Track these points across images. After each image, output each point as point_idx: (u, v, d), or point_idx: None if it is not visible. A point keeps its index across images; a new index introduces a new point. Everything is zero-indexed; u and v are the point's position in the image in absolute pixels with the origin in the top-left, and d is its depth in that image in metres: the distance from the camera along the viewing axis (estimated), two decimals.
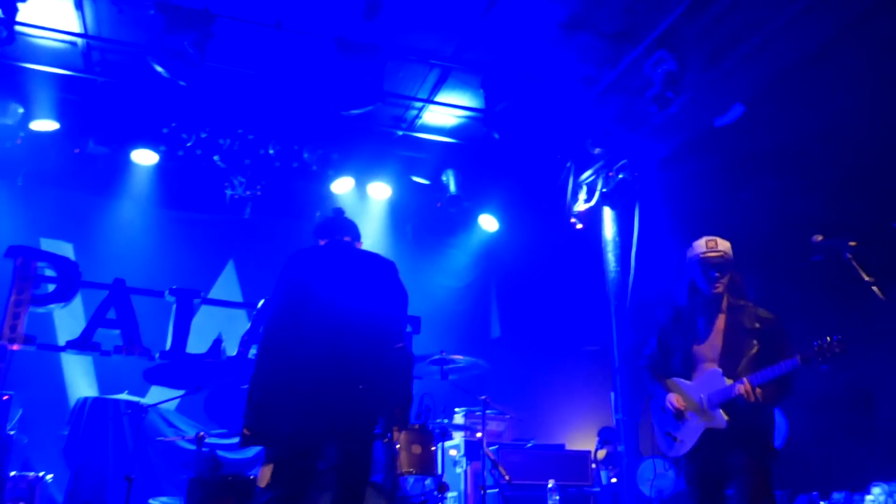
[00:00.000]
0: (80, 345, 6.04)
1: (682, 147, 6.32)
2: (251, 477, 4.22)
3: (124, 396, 6.01)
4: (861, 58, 5.32)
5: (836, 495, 7.51)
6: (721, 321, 3.59)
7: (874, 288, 3.11)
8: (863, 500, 7.59)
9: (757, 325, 3.50)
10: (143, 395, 6.38)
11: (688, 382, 3.59)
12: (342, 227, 3.46)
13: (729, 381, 3.38)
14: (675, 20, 5.35)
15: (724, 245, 3.66)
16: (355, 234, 3.50)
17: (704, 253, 3.62)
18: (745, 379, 3.33)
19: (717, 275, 3.57)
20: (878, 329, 7.93)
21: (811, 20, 4.94)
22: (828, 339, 3.19)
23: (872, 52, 5.24)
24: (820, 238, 3.29)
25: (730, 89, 5.63)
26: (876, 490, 7.51)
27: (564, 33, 5.76)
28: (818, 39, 5.04)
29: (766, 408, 3.44)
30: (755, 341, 3.45)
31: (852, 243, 3.20)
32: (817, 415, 9.03)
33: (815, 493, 7.46)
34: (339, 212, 3.59)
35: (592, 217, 7.14)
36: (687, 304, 3.71)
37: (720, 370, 3.46)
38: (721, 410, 3.41)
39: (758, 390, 3.28)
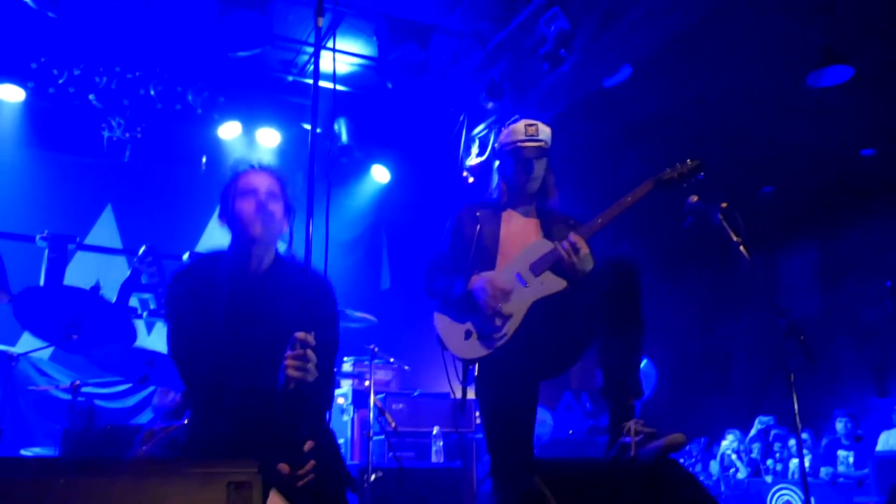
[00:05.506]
0: None
1: (571, 108, 6.47)
2: (131, 426, 4.12)
3: None
4: (741, 30, 5.61)
5: (694, 446, 8.15)
6: (533, 215, 3.17)
7: (741, 248, 3.23)
8: (719, 445, 8.26)
9: (571, 221, 3.12)
10: (13, 343, 6.05)
11: (495, 271, 3.01)
12: None
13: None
14: None
15: (545, 132, 3.14)
16: None
17: (523, 141, 3.10)
18: (573, 233, 2.87)
19: (533, 168, 3.10)
20: (737, 295, 8.56)
21: None
22: (680, 163, 2.99)
23: (752, 24, 5.53)
24: (695, 199, 3.35)
25: (619, 52, 5.80)
26: (730, 436, 8.20)
27: None
28: (702, 10, 5.24)
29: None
30: (572, 233, 2.96)
31: (724, 205, 3.31)
32: (681, 370, 9.68)
33: None
34: None
35: (484, 171, 7.24)
36: (497, 200, 3.20)
37: (546, 240, 2.98)
38: (551, 273, 2.91)
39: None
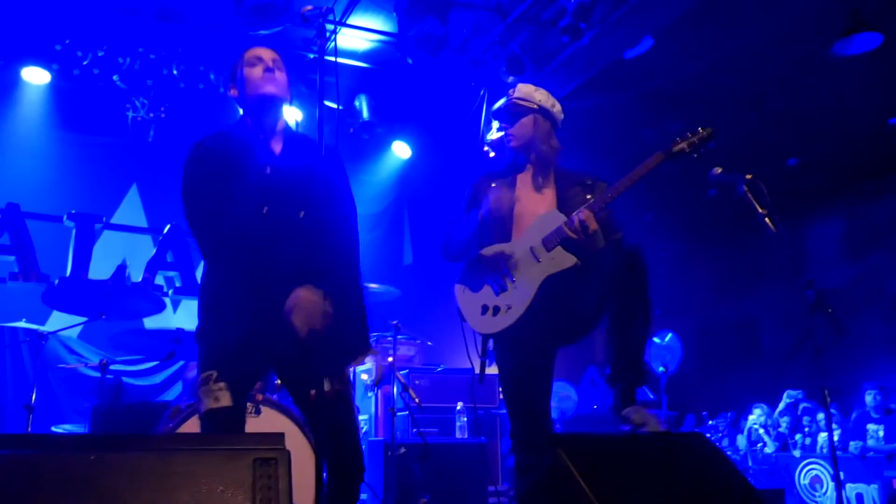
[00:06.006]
0: None
1: (590, 80, 6.40)
2: (158, 402, 4.19)
3: (22, 324, 5.81)
4: None
5: (721, 420, 8.11)
6: (551, 178, 3.17)
7: (767, 220, 3.19)
8: (746, 419, 8.20)
9: (588, 181, 3.12)
10: (42, 322, 6.17)
11: (510, 242, 3.07)
12: None
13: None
14: None
15: (522, 91, 3.19)
16: None
17: (504, 101, 3.19)
18: (583, 208, 2.88)
19: (507, 125, 3.18)
20: (763, 263, 8.45)
21: None
22: (691, 132, 2.93)
23: None
24: (719, 170, 3.32)
25: (640, 23, 5.71)
26: (757, 411, 8.13)
27: None
28: None
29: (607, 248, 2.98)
30: (589, 196, 3.00)
31: (748, 176, 3.27)
32: (707, 344, 9.61)
33: (704, 412, 8.00)
34: None
35: (505, 146, 7.17)
36: (509, 164, 3.27)
37: (558, 211, 3.01)
38: (563, 249, 2.93)
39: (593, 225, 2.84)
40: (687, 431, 7.02)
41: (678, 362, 7.68)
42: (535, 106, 3.17)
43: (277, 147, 2.62)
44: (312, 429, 2.54)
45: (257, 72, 2.62)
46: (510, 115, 3.19)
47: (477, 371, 3.13)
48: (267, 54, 2.67)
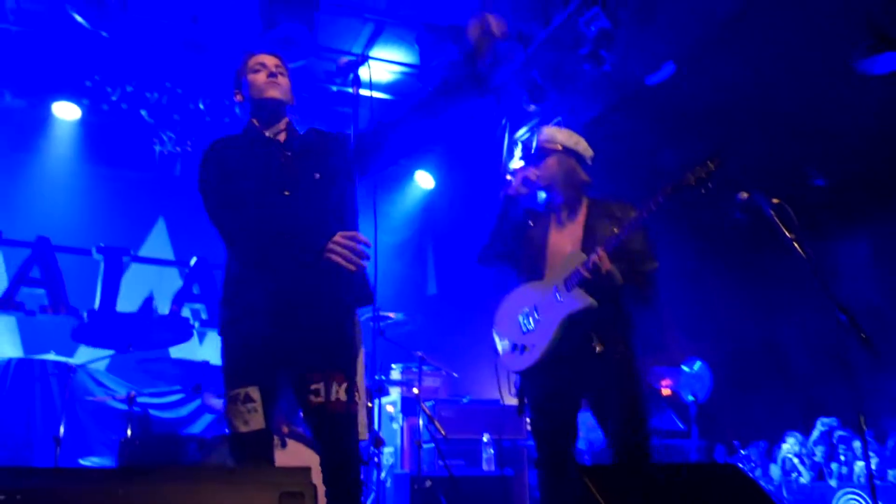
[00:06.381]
0: (3, 305, 5.86)
1: (613, 106, 6.39)
2: (185, 435, 4.19)
3: (51, 357, 5.87)
4: (785, 14, 5.44)
5: (753, 450, 7.93)
6: (581, 213, 3.27)
7: (796, 245, 3.16)
8: (779, 448, 8.01)
9: (618, 213, 3.18)
10: (71, 354, 6.22)
11: (539, 282, 3.21)
12: None
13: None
14: None
15: (545, 134, 3.39)
16: None
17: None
18: (598, 248, 2.98)
19: (534, 166, 3.33)
20: (793, 286, 8.29)
21: None
22: (699, 165, 2.93)
23: (796, 8, 5.36)
24: (746, 195, 3.30)
25: (661, 48, 5.71)
26: (790, 440, 7.93)
27: None
28: None
29: (625, 289, 3.07)
30: (616, 230, 3.05)
31: (775, 200, 3.25)
32: (733, 367, 9.42)
33: (735, 441, 7.83)
34: None
35: None
36: (544, 203, 3.42)
37: (581, 250, 3.12)
38: (581, 290, 3.02)
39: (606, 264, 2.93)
40: (721, 462, 6.87)
41: (708, 391, 7.54)
42: (559, 147, 3.31)
43: (287, 142, 2.76)
44: (315, 443, 2.53)
45: (261, 77, 2.73)
46: (536, 158, 3.36)
47: (504, 402, 3.20)
48: (270, 60, 2.77)
